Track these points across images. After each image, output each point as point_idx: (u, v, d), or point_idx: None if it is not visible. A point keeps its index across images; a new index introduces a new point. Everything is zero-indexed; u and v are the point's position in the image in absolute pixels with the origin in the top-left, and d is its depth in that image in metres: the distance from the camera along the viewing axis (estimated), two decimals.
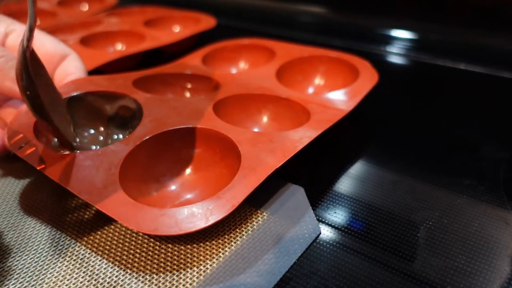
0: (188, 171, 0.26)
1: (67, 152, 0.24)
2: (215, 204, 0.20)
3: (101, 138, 0.29)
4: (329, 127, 0.27)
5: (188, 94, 0.35)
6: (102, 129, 0.29)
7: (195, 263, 0.20)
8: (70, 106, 0.29)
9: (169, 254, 0.21)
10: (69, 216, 0.24)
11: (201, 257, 0.21)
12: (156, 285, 0.19)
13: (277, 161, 0.23)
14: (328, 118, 0.27)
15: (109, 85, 0.30)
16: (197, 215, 0.20)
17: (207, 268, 0.20)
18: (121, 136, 0.29)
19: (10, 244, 0.22)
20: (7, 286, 0.20)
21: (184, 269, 0.20)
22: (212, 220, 0.20)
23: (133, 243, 0.22)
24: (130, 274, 0.20)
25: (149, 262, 0.21)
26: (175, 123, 0.26)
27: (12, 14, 0.56)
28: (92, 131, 0.29)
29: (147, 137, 0.25)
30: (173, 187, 0.25)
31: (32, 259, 0.21)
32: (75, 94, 0.29)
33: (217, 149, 0.26)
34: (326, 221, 0.23)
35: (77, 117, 0.29)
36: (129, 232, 0.22)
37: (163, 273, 0.20)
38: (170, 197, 0.24)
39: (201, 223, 0.19)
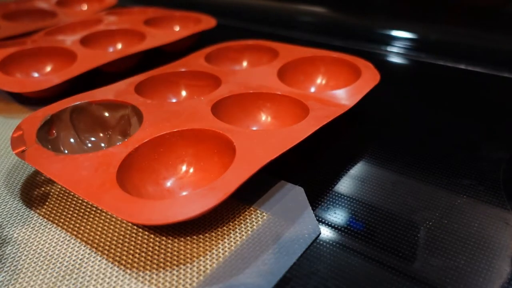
0: (186, 172, 0.26)
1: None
2: (208, 193, 0.21)
3: (103, 145, 0.29)
4: (328, 123, 0.27)
5: (190, 92, 0.35)
6: (104, 137, 0.30)
7: (195, 263, 0.20)
8: (75, 114, 0.29)
9: (168, 254, 0.21)
10: (69, 216, 0.24)
11: (201, 257, 0.21)
12: (156, 285, 0.19)
13: (272, 154, 0.23)
14: (326, 114, 0.27)
15: (112, 93, 0.31)
16: (190, 203, 0.20)
17: (207, 268, 0.20)
18: None
19: (10, 244, 0.22)
20: (6, 286, 0.20)
21: (184, 269, 0.20)
22: (205, 207, 0.20)
23: (132, 243, 0.22)
24: (130, 274, 0.20)
25: (148, 262, 0.21)
26: (174, 126, 0.26)
27: (11, 14, 0.56)
28: (95, 139, 0.29)
29: (146, 140, 0.25)
30: (171, 188, 0.25)
31: (32, 259, 0.21)
32: (79, 103, 0.30)
33: (215, 149, 0.26)
34: (326, 221, 0.23)
35: (81, 126, 0.30)
36: (128, 232, 0.22)
37: (163, 273, 0.20)
38: (168, 197, 0.24)
39: (195, 211, 0.20)
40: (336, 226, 0.23)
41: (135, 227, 0.23)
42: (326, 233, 0.22)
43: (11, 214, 0.24)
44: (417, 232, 0.22)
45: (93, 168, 0.23)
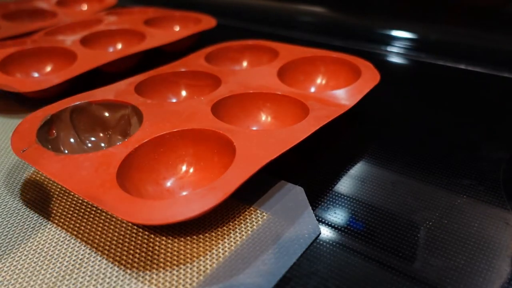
0: (186, 172, 0.26)
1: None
2: (208, 193, 0.21)
3: (103, 145, 0.29)
4: (328, 123, 0.27)
5: (190, 92, 0.35)
6: (104, 137, 0.30)
7: (195, 263, 0.20)
8: (75, 114, 0.29)
9: (168, 254, 0.21)
10: (69, 216, 0.24)
11: (201, 257, 0.21)
12: (156, 285, 0.19)
13: (271, 154, 0.23)
14: (326, 114, 0.27)
15: (112, 93, 0.31)
16: (190, 203, 0.20)
17: (207, 268, 0.20)
18: None
19: (10, 244, 0.22)
20: (6, 286, 0.20)
21: (184, 269, 0.20)
22: (205, 207, 0.20)
23: (132, 243, 0.22)
24: (130, 274, 0.20)
25: (149, 262, 0.21)
26: (174, 126, 0.26)
27: (11, 14, 0.56)
28: (95, 139, 0.29)
29: (146, 140, 0.25)
30: (171, 188, 0.25)
31: (32, 259, 0.21)
32: (79, 103, 0.30)
33: (215, 149, 0.26)
34: (326, 221, 0.23)
35: (81, 126, 0.30)
36: (128, 232, 0.22)
37: (163, 273, 0.20)
38: (168, 197, 0.24)
39: (194, 211, 0.20)
40: (336, 226, 0.23)
41: (135, 227, 0.23)
42: (326, 233, 0.22)
43: (11, 214, 0.24)
44: (417, 232, 0.22)
45: (93, 168, 0.23)
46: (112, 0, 0.62)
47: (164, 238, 0.22)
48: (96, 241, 0.22)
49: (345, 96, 0.30)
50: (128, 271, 0.20)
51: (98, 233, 0.23)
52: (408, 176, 0.26)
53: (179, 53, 0.41)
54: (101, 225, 0.23)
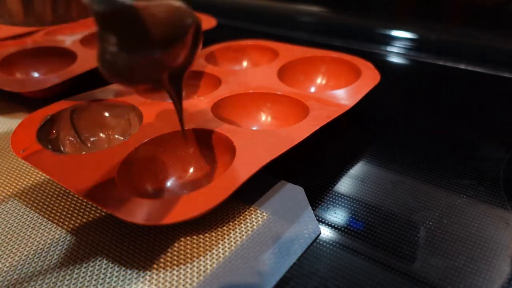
0: (186, 172, 0.26)
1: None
2: (208, 193, 0.21)
3: (103, 145, 0.29)
4: (328, 123, 0.27)
5: (190, 92, 0.35)
6: (104, 137, 0.30)
7: (195, 263, 0.20)
8: (75, 114, 0.29)
9: (168, 254, 0.21)
10: (69, 216, 0.24)
11: (201, 257, 0.21)
12: (156, 285, 0.19)
13: (271, 154, 0.23)
14: (327, 114, 0.28)
15: (112, 93, 0.31)
16: (190, 203, 0.20)
17: (207, 268, 0.20)
18: None
19: (10, 245, 0.22)
20: (6, 286, 0.20)
21: (184, 269, 0.20)
22: (205, 207, 0.20)
23: (132, 243, 0.22)
24: (130, 274, 0.20)
25: (148, 262, 0.21)
26: (174, 126, 0.26)
27: None
28: (95, 139, 0.30)
29: (146, 140, 0.25)
30: (171, 188, 0.25)
31: (32, 260, 0.21)
32: (79, 103, 0.30)
33: (215, 149, 0.26)
34: (326, 221, 0.23)
35: (81, 126, 0.30)
36: (128, 232, 0.22)
37: (163, 273, 0.20)
38: (168, 197, 0.24)
39: (195, 211, 0.20)
40: (336, 226, 0.23)
41: (135, 227, 0.23)
42: (326, 233, 0.22)
43: (11, 214, 0.24)
44: (417, 232, 0.22)
45: (93, 168, 0.23)
46: None
47: (164, 238, 0.22)
48: (96, 241, 0.22)
49: (345, 96, 0.30)
50: (128, 271, 0.20)
51: (98, 233, 0.23)
52: (408, 176, 0.26)
53: None
54: (101, 224, 0.23)
